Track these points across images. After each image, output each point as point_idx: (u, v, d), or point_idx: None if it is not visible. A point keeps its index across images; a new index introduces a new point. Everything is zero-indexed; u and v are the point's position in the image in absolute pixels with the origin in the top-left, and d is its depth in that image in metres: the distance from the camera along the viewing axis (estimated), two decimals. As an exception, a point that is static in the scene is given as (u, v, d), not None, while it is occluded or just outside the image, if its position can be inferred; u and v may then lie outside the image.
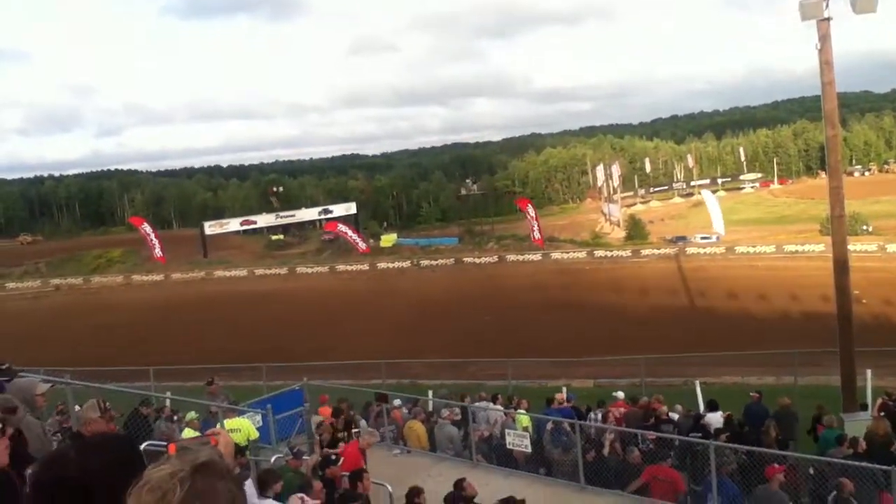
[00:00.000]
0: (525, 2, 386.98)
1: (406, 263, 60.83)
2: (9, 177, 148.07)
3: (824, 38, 12.96)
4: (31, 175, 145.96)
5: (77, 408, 7.75)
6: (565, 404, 15.91)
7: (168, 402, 15.47)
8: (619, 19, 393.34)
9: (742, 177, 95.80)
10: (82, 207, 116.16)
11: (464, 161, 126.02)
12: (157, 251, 67.73)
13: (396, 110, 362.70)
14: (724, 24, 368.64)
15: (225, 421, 10.59)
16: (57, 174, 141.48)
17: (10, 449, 3.61)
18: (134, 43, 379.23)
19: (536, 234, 60.19)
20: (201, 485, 1.44)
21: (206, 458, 1.51)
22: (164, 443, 9.00)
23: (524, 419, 14.06)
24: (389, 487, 9.67)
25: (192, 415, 13.91)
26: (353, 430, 11.97)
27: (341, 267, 62.10)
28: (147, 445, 8.47)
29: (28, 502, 1.77)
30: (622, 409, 15.15)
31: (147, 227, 69.85)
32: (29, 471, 3.70)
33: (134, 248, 73.03)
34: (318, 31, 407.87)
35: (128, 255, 74.01)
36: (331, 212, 76.61)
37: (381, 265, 61.19)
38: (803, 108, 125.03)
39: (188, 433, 10.30)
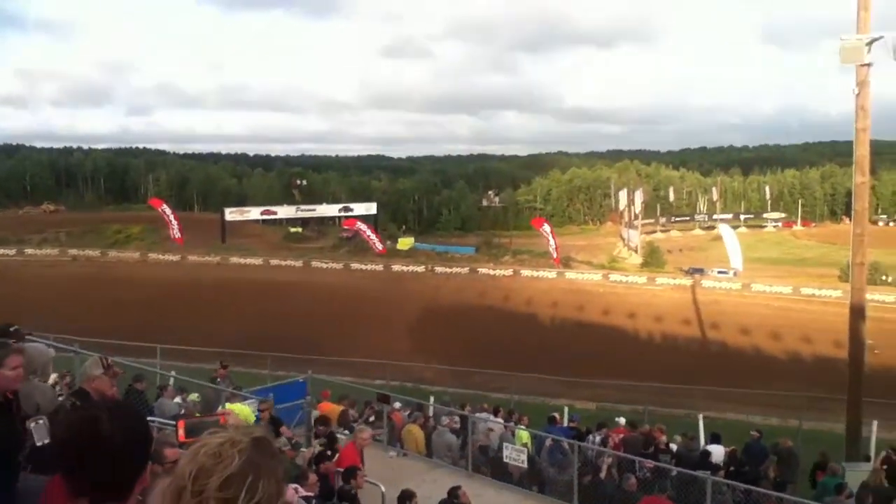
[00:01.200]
0: (563, 19, 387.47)
1: (421, 268, 60.90)
2: (39, 145, 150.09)
3: (863, 84, 12.87)
4: (60, 145, 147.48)
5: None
6: (567, 424, 15.88)
7: (171, 381, 15.53)
8: (653, 46, 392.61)
9: (765, 215, 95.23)
10: (107, 182, 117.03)
11: (488, 172, 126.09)
12: (176, 232, 68.21)
13: (426, 116, 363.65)
14: (760, 60, 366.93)
15: (226, 404, 10.62)
16: (86, 147, 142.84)
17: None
18: (172, 28, 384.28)
19: (553, 253, 60.10)
20: (257, 457, 1.47)
21: (262, 434, 1.55)
22: (166, 420, 9.09)
23: (524, 435, 14.02)
24: (382, 488, 9.65)
25: (193, 396, 13.99)
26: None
27: (356, 265, 62.23)
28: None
29: (54, 458, 1.80)
30: (621, 435, 15.08)
31: (166, 209, 70.35)
32: (33, 424, 3.79)
33: (154, 226, 73.53)
34: (353, 31, 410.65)
35: (147, 232, 74.57)
36: (351, 210, 76.90)
37: (396, 267, 61.28)
38: (834, 152, 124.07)
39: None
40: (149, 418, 8.80)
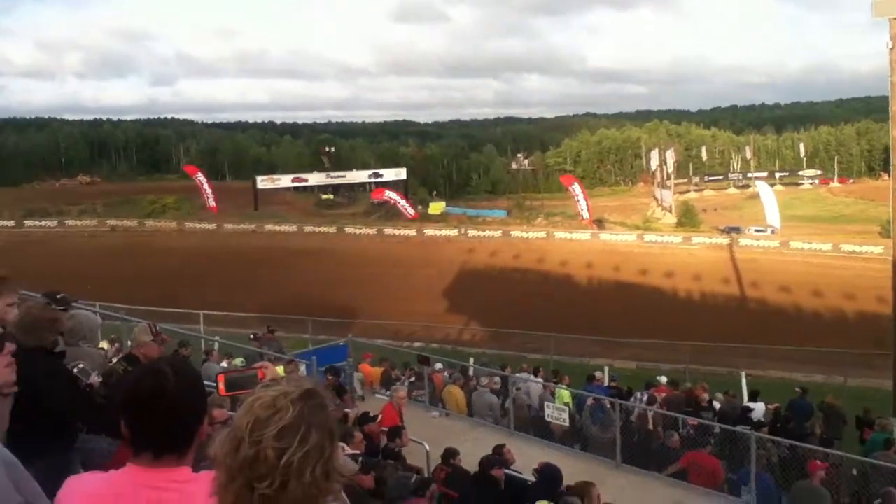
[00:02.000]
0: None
1: (454, 232, 60.87)
2: (69, 117, 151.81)
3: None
4: (90, 117, 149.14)
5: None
6: (606, 383, 15.90)
7: (216, 346, 15.81)
8: (673, 5, 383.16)
9: (801, 172, 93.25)
10: (139, 153, 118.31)
11: (516, 135, 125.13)
12: (211, 201, 68.93)
13: (447, 81, 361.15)
14: (785, 16, 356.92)
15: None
16: (115, 118, 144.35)
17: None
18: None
19: (585, 214, 59.59)
20: (309, 409, 1.53)
21: (312, 386, 1.60)
22: (212, 383, 9.27)
23: (565, 394, 14.07)
24: (427, 446, 9.79)
25: (238, 361, 14.22)
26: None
27: (389, 230, 62.39)
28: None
29: (120, 408, 1.85)
30: (664, 394, 15.07)
31: (201, 176, 71.05)
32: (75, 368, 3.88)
33: (187, 196, 74.34)
34: None
35: (181, 202, 75.41)
36: (381, 175, 76.93)
37: (429, 232, 61.33)
38: (868, 108, 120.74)
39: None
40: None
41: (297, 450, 1.47)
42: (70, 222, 67.18)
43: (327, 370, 12.87)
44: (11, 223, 65.93)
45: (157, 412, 1.82)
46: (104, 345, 10.95)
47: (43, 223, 66.41)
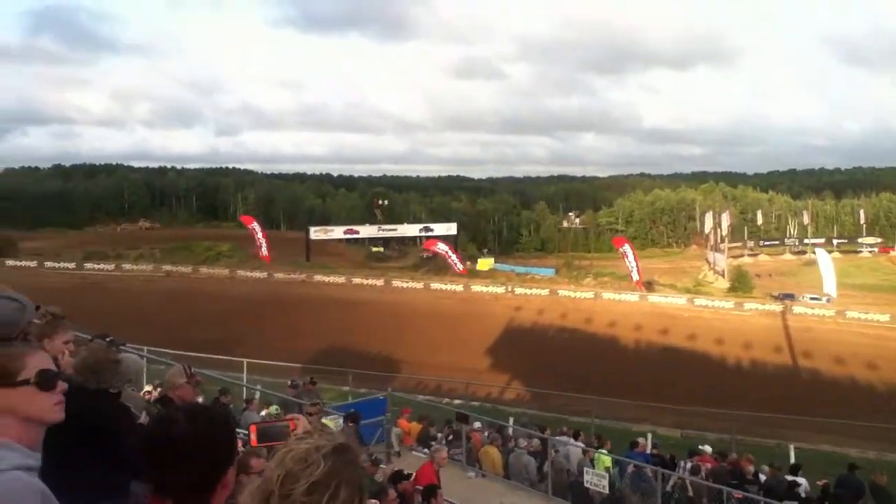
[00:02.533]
0: (633, 41, 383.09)
1: (501, 289, 60.66)
2: (136, 164, 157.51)
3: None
4: (155, 165, 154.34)
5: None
6: (649, 450, 15.51)
7: (257, 395, 15.93)
8: (731, 67, 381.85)
9: (860, 240, 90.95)
10: (199, 200, 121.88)
11: (568, 193, 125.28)
12: (264, 250, 70.21)
13: (502, 137, 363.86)
14: (847, 78, 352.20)
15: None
16: (179, 167, 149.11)
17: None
18: (253, 49, 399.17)
19: (635, 275, 58.95)
20: (341, 464, 1.53)
21: (345, 441, 1.62)
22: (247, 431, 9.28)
23: (606, 459, 13.76)
24: (461, 508, 9.64)
25: (273, 409, 14.30)
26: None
27: (436, 285, 62.48)
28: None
29: (140, 457, 1.90)
30: (709, 465, 14.62)
31: (256, 226, 72.54)
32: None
33: (242, 244, 75.94)
34: (424, 52, 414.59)
35: (235, 250, 77.06)
36: (432, 230, 77.52)
37: (476, 288, 61.24)
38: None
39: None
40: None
41: None
42: (127, 266, 69.01)
43: (347, 417, 12.75)
44: (72, 265, 68.08)
45: (169, 460, 1.84)
46: (148, 388, 11.14)
47: (101, 266, 68.37)
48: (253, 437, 2.45)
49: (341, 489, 1.49)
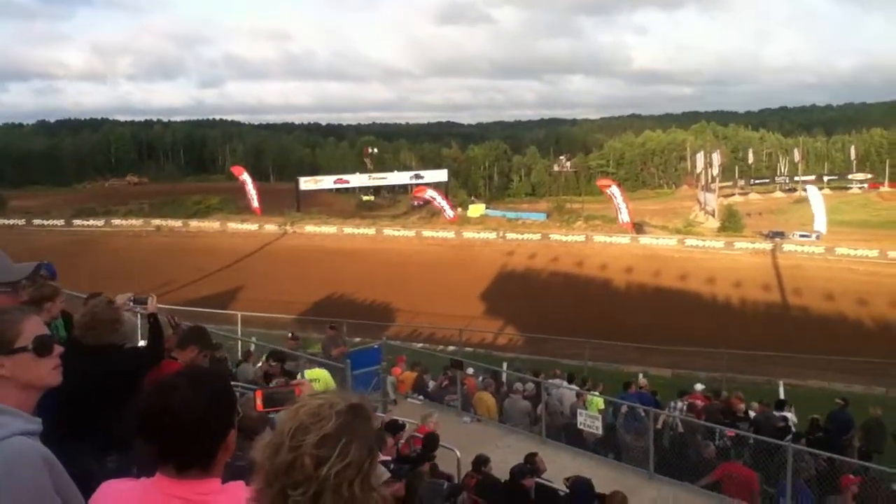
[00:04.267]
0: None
1: (492, 235, 60.68)
2: (121, 118, 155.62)
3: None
4: (141, 118, 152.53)
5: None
6: (644, 389, 15.73)
7: (253, 347, 16.01)
8: (720, 4, 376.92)
9: (850, 176, 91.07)
10: (186, 154, 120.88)
11: (559, 137, 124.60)
12: (254, 201, 69.82)
13: (490, 82, 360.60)
14: (836, 14, 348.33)
15: (305, 371, 10.87)
16: (165, 119, 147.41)
17: None
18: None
19: (624, 217, 58.96)
20: (353, 421, 1.53)
21: (359, 400, 1.60)
22: (248, 385, 9.33)
23: (598, 401, 13.96)
24: (458, 453, 9.76)
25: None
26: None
27: (427, 232, 62.43)
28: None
29: (138, 428, 1.88)
30: (700, 402, 14.87)
31: (246, 177, 71.95)
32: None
33: (231, 196, 75.49)
34: None
35: (225, 202, 76.58)
36: (422, 177, 77.06)
37: (468, 234, 61.25)
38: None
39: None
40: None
41: (336, 461, 1.46)
42: (116, 222, 68.59)
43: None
44: (61, 222, 67.64)
45: (170, 429, 1.81)
46: (142, 344, 11.15)
47: (90, 223, 67.91)
48: (258, 402, 2.46)
49: (352, 445, 1.48)
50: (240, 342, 17.38)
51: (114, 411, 3.78)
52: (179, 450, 1.83)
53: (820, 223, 55.22)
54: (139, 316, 6.13)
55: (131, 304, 4.64)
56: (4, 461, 1.92)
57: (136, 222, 68.33)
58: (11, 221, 66.58)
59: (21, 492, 1.92)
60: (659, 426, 12.40)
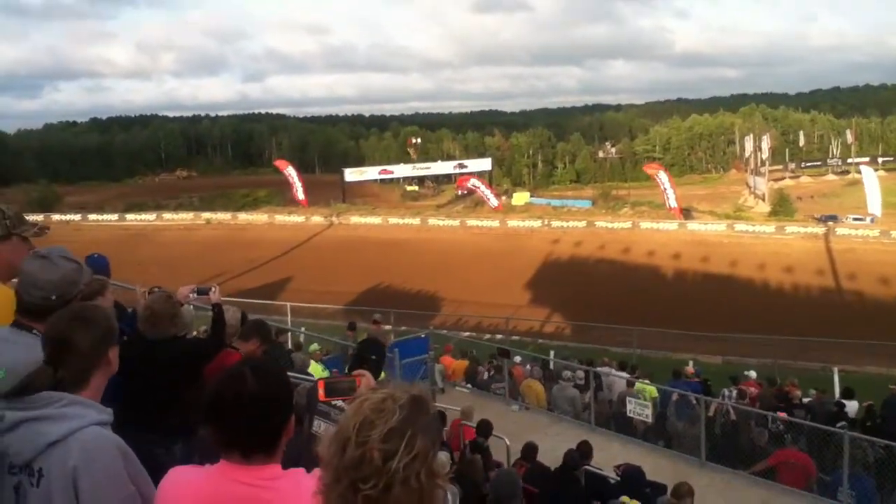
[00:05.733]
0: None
1: (537, 223, 60.40)
2: (170, 114, 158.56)
3: None
4: (189, 114, 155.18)
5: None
6: (693, 378, 15.55)
7: (302, 337, 16.25)
8: None
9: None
10: (234, 148, 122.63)
11: (603, 123, 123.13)
12: (300, 194, 70.61)
13: (531, 69, 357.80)
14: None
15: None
16: (213, 115, 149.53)
17: None
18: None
19: (672, 203, 58.11)
20: (416, 414, 1.54)
21: (420, 393, 1.62)
22: (304, 375, 9.52)
23: (651, 389, 13.85)
24: (507, 441, 9.80)
25: (314, 346, 14.57)
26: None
27: (472, 222, 62.43)
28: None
29: (206, 415, 1.95)
30: (753, 389, 14.66)
31: (291, 170, 72.76)
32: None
33: (279, 188, 76.52)
34: None
35: (272, 195, 77.73)
36: (466, 166, 77.01)
37: (512, 223, 61.06)
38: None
39: (313, 368, 10.76)
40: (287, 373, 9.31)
41: (404, 454, 1.47)
42: (167, 216, 70.07)
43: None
44: (114, 217, 69.42)
45: (239, 416, 1.89)
46: (195, 334, 11.41)
47: (142, 217, 69.55)
48: (321, 391, 2.51)
49: (417, 438, 1.50)
50: (290, 333, 17.61)
51: (178, 400, 3.96)
52: (246, 435, 1.90)
53: (874, 205, 53.67)
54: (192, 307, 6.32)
55: (194, 295, 4.80)
56: (84, 450, 2.02)
57: (186, 216, 69.73)
58: (68, 217, 68.47)
59: (100, 479, 2.02)
60: (711, 413, 12.25)
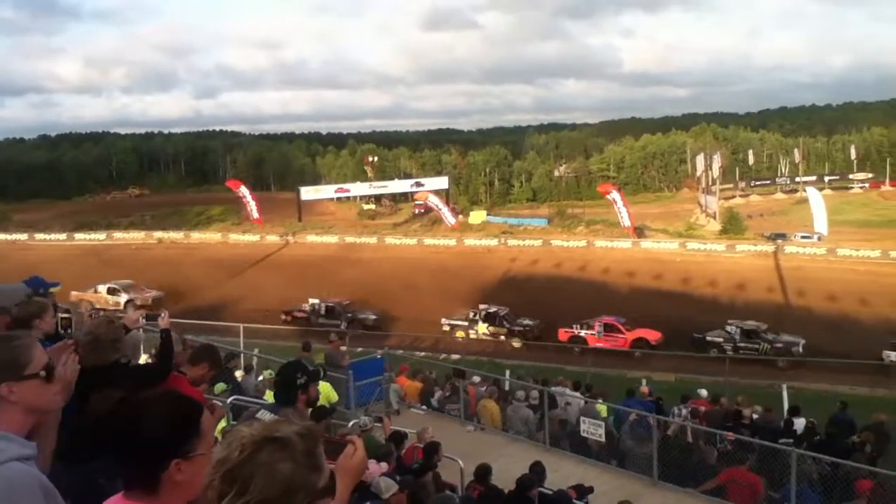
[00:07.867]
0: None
1: (494, 241, 60.64)
2: (122, 131, 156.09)
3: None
4: (142, 131, 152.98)
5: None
6: (648, 398, 15.71)
7: (255, 360, 16.03)
8: (702, 6, 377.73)
9: (851, 176, 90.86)
10: (188, 165, 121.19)
11: (559, 142, 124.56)
12: (254, 212, 69.82)
13: (483, 87, 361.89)
14: (822, 14, 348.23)
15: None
16: (166, 131, 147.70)
17: None
18: (221, 9, 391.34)
19: (626, 221, 58.92)
20: (264, 457, 1.50)
21: (283, 435, 1.55)
22: (252, 400, 9.32)
23: (604, 409, 13.96)
24: (461, 462, 9.75)
25: (267, 373, 14.41)
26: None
27: (429, 240, 62.33)
28: (234, 400, 8.85)
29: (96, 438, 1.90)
30: (703, 408, 14.86)
31: (244, 190, 71.90)
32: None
33: (233, 206, 75.59)
34: (395, 5, 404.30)
35: (227, 213, 76.79)
36: (423, 185, 77.08)
37: (469, 241, 61.21)
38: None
39: (269, 395, 10.59)
40: (235, 397, 9.14)
41: (234, 499, 1.46)
42: (118, 234, 68.66)
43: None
44: (63, 236, 67.72)
45: (121, 444, 1.85)
46: (144, 358, 11.17)
47: (92, 236, 67.97)
48: None
49: (253, 484, 1.47)
50: (242, 355, 17.36)
51: None
52: (125, 467, 1.86)
53: (820, 225, 55.11)
54: (141, 331, 6.18)
55: (144, 320, 4.68)
56: (5, 486, 1.96)
57: (138, 235, 68.40)
58: (13, 237, 66.69)
59: None
60: (669, 433, 12.39)
